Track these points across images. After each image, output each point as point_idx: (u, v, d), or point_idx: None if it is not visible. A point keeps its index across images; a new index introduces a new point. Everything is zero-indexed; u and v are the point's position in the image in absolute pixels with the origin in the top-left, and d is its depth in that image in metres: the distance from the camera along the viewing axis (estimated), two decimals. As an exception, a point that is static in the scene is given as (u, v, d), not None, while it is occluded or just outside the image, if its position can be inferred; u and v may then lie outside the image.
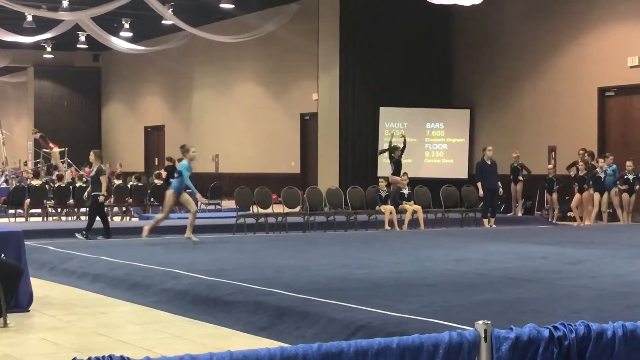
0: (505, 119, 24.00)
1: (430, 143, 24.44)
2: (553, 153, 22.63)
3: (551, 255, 11.92)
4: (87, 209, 18.01)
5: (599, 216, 19.53)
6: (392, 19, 23.91)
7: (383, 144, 22.57)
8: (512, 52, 23.74)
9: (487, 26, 24.28)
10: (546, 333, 2.73)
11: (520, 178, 21.64)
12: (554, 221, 20.65)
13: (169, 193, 14.84)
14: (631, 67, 21.07)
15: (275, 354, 2.71)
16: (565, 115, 22.43)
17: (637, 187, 19.47)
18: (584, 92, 22.05)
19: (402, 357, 2.75)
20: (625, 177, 19.42)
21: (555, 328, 2.71)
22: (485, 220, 19.11)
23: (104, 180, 16.14)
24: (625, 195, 19.41)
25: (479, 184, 19.16)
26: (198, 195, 15.89)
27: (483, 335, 2.85)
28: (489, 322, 2.90)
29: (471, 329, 2.93)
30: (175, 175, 15.09)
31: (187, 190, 14.76)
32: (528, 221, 20.30)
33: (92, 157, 16.53)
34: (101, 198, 15.92)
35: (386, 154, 20.39)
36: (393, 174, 19.39)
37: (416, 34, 24.28)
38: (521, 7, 23.68)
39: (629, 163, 19.45)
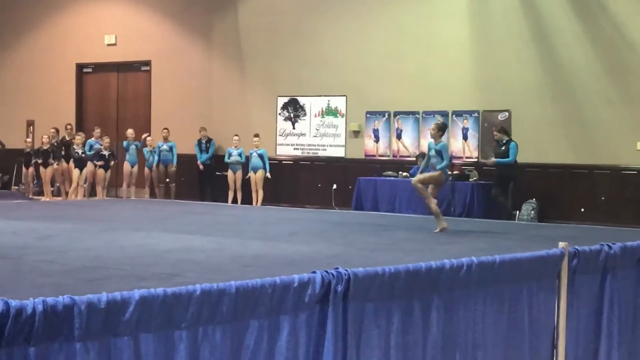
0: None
1: None
2: (31, 127, 22.43)
3: (21, 230, 11.81)
4: None
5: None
6: None
7: None
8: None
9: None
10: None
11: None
12: (30, 196, 20.46)
13: None
14: (108, 45, 21.63)
15: None
16: (44, 90, 22.35)
17: (112, 163, 20.00)
18: (62, 68, 22.17)
19: None
20: (101, 153, 19.82)
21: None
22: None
23: None
24: (101, 171, 19.73)
25: None
26: None
27: None
28: None
29: None
30: None
31: None
32: (4, 196, 19.86)
33: None
34: None
35: None
36: None
37: None
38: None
39: (106, 139, 19.89)
